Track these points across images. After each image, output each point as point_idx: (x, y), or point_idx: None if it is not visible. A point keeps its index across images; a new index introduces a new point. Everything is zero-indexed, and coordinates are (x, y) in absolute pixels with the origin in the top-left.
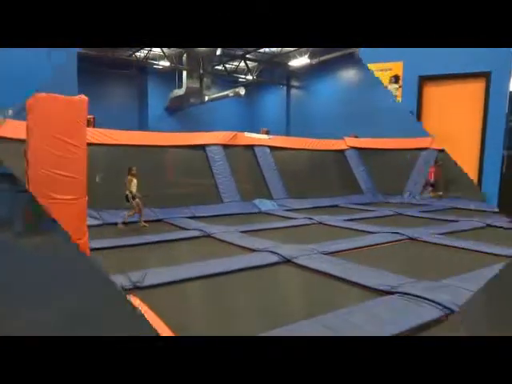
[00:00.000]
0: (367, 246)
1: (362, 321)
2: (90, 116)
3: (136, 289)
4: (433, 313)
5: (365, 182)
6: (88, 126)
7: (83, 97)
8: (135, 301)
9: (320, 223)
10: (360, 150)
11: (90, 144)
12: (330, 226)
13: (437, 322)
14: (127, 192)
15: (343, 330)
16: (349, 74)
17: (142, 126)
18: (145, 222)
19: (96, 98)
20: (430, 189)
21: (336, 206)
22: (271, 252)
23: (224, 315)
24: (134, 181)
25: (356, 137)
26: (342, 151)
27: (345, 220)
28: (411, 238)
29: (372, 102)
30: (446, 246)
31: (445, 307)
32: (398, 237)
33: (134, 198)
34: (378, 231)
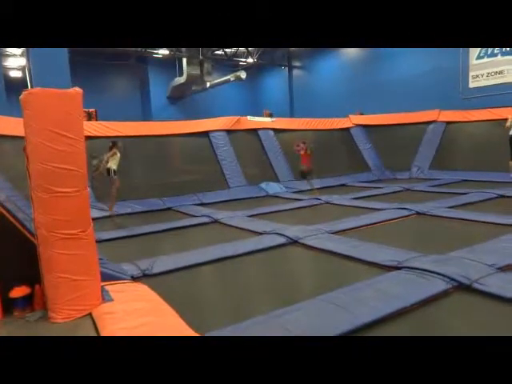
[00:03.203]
0: (375, 223)
1: (369, 296)
2: (92, 109)
3: (145, 276)
4: (440, 286)
5: (372, 160)
6: (90, 119)
7: (78, 89)
8: (142, 287)
9: (327, 203)
10: (366, 127)
11: (94, 137)
12: (337, 205)
13: (444, 294)
14: (109, 165)
15: (351, 306)
16: (351, 51)
17: (146, 116)
18: (153, 211)
19: (98, 92)
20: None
21: (343, 185)
22: (278, 234)
23: (234, 297)
24: (118, 155)
25: (361, 114)
26: (347, 129)
27: (352, 198)
28: (419, 213)
29: (376, 76)
30: (454, 219)
31: (452, 279)
32: (406, 212)
33: (115, 173)
34: (386, 208)
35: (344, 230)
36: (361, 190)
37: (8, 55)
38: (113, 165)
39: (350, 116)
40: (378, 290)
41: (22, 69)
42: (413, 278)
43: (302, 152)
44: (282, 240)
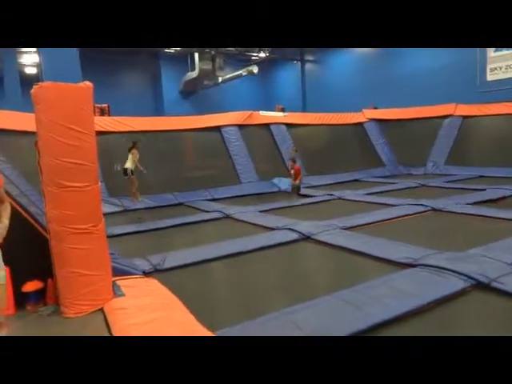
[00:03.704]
0: (388, 220)
1: (383, 294)
2: (105, 105)
3: (156, 271)
4: (458, 284)
5: (386, 155)
6: (103, 114)
7: (88, 83)
8: (153, 282)
9: (340, 198)
10: (379, 122)
11: (106, 132)
12: (350, 200)
13: (462, 293)
14: (127, 166)
15: (364, 304)
16: None
17: (158, 111)
18: (165, 206)
19: (110, 87)
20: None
21: (356, 180)
22: (290, 229)
23: (245, 293)
24: (137, 155)
25: (375, 108)
26: (360, 124)
27: (365, 194)
28: (435, 209)
29: (391, 70)
30: (471, 215)
31: (470, 278)
32: (421, 208)
33: (132, 173)
34: (400, 204)
35: (357, 226)
36: (374, 185)
37: (23, 52)
38: (129, 164)
39: (364, 110)
40: (392, 288)
41: (37, 65)
42: (429, 275)
43: (293, 171)
44: (294, 236)
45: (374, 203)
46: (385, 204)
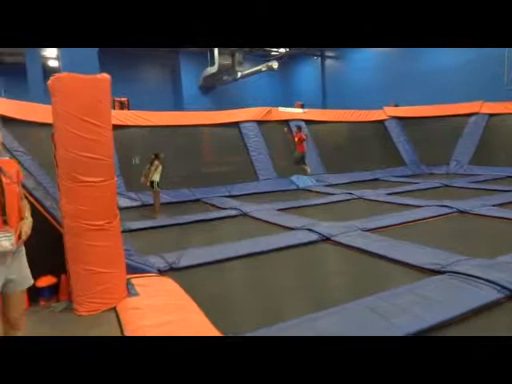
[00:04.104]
0: (412, 222)
1: (411, 303)
2: (124, 99)
3: (171, 270)
4: (491, 294)
5: (407, 153)
6: (122, 108)
7: (105, 75)
8: (168, 282)
9: (360, 198)
10: (401, 120)
11: (125, 126)
12: (370, 200)
13: (496, 304)
14: (153, 179)
15: (390, 313)
16: None
17: (177, 106)
18: (182, 202)
19: (130, 81)
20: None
21: (377, 179)
22: (309, 230)
23: (262, 296)
24: (160, 167)
25: (396, 105)
26: (381, 122)
27: (387, 194)
28: (461, 211)
29: (413, 66)
30: (500, 218)
31: (504, 288)
32: (446, 210)
33: (158, 185)
34: (424, 205)
35: (379, 228)
36: (395, 185)
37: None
38: (156, 177)
39: (385, 108)
40: (419, 297)
41: (57, 58)
42: (459, 284)
43: (296, 139)
44: (313, 236)
45: (396, 204)
46: (407, 205)
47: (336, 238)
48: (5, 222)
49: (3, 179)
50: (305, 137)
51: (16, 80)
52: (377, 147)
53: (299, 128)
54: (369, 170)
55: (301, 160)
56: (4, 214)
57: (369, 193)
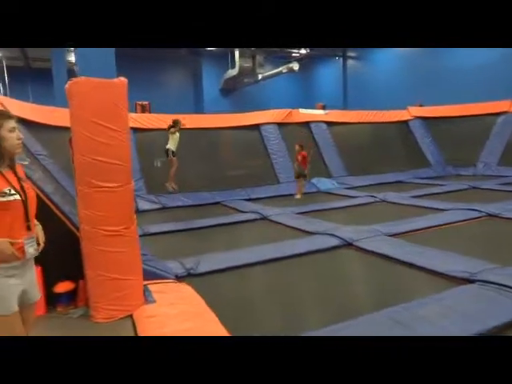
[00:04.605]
0: (438, 226)
1: (437, 315)
2: (146, 102)
3: (189, 276)
4: None
5: (432, 154)
6: (143, 111)
7: (122, 79)
8: (185, 288)
9: (383, 201)
10: (426, 120)
11: (146, 129)
12: (394, 203)
13: None
14: (168, 146)
15: (416, 325)
16: None
17: (198, 109)
18: (202, 205)
19: (152, 85)
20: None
21: (400, 181)
22: (330, 235)
23: (282, 305)
24: (177, 134)
25: (421, 105)
26: (405, 122)
27: (411, 197)
28: (491, 215)
29: (438, 65)
30: None
31: None
32: (475, 214)
33: (173, 154)
34: (450, 208)
35: (403, 233)
36: (420, 187)
37: (71, 50)
38: (171, 145)
39: (409, 108)
40: (447, 308)
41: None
42: (490, 294)
43: (300, 157)
44: (334, 241)
45: (421, 207)
46: (433, 208)
47: (358, 243)
48: (28, 228)
49: (24, 185)
50: (306, 155)
51: (43, 85)
52: (400, 148)
53: (301, 146)
54: (392, 171)
55: (303, 175)
56: (27, 219)
57: (392, 195)
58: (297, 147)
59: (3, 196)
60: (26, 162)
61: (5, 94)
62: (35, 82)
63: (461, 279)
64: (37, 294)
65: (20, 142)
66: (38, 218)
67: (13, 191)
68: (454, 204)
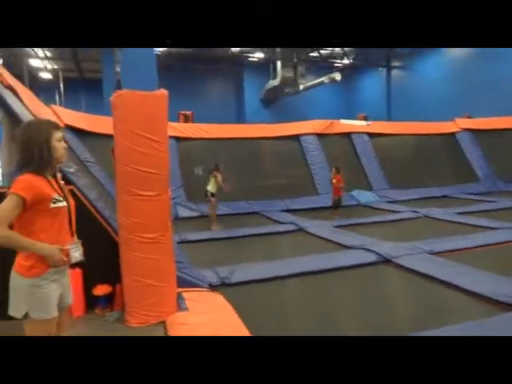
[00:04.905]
0: (486, 246)
1: None
2: (189, 112)
3: (223, 285)
4: None
5: (481, 168)
6: (187, 121)
7: (163, 91)
8: (218, 298)
9: (426, 217)
10: (475, 132)
11: (188, 138)
12: (438, 220)
13: None
14: (207, 188)
15: None
16: (459, 48)
17: (240, 119)
18: (240, 214)
19: (196, 95)
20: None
21: (446, 196)
22: (368, 250)
23: (316, 322)
24: (219, 177)
25: (470, 117)
26: (452, 134)
27: (457, 213)
28: None
29: (488, 75)
30: None
31: None
32: None
33: (212, 195)
34: (500, 227)
35: (447, 251)
36: (467, 203)
37: (120, 62)
38: (211, 188)
39: (457, 120)
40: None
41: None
42: None
43: (334, 181)
44: (372, 257)
45: (468, 225)
46: (480, 226)
47: (398, 261)
48: (72, 234)
49: (65, 191)
50: (341, 184)
51: (95, 95)
52: (446, 161)
53: (337, 169)
54: (437, 185)
55: (339, 203)
56: (71, 226)
57: (436, 211)
58: (333, 170)
59: (54, 202)
60: (73, 169)
61: (60, 104)
62: (88, 92)
63: (508, 305)
64: (70, 298)
65: (65, 151)
66: (81, 223)
67: (60, 198)
68: (504, 222)
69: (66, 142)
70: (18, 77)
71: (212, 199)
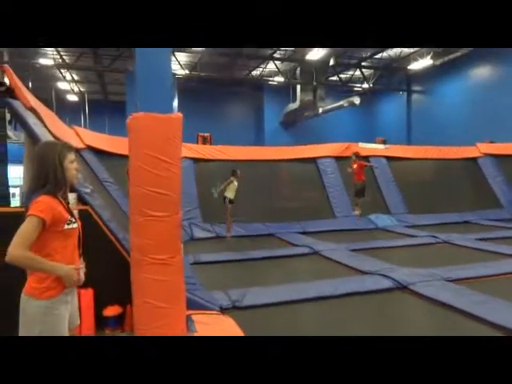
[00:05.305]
0: (507, 274)
1: None
2: (207, 134)
3: (234, 308)
4: None
5: (504, 194)
6: (205, 143)
7: (178, 114)
8: (228, 321)
9: (446, 242)
10: (497, 157)
11: (206, 160)
12: (458, 246)
13: None
14: (225, 194)
15: None
16: (481, 72)
17: (259, 141)
18: (255, 236)
19: (215, 117)
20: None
21: (466, 222)
22: (384, 275)
23: None
24: (235, 183)
25: (492, 142)
26: (473, 159)
27: (477, 239)
28: None
29: (510, 100)
30: None
31: None
32: None
33: (230, 201)
34: None
35: (466, 279)
36: (489, 229)
37: None
38: (229, 194)
39: (478, 144)
40: None
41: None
42: None
43: (355, 166)
44: (387, 283)
45: (489, 251)
46: (503, 254)
47: (414, 287)
48: (80, 256)
49: (75, 214)
50: (367, 164)
51: (119, 117)
52: (467, 187)
53: (358, 156)
54: (457, 211)
55: (363, 191)
56: (79, 247)
57: (456, 237)
58: (353, 157)
59: (68, 224)
60: (88, 190)
61: (85, 125)
62: (112, 114)
63: None
64: (78, 319)
65: (77, 173)
66: (95, 244)
67: (73, 219)
68: None
69: (86, 162)
70: (46, 100)
71: (229, 205)
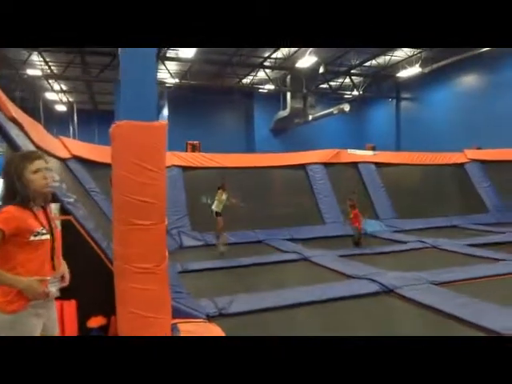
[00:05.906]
0: (492, 277)
1: None
2: (196, 142)
3: (221, 316)
4: None
5: (490, 199)
6: (194, 150)
7: (162, 122)
8: (215, 329)
9: (434, 247)
10: (484, 163)
11: (194, 168)
12: (445, 250)
13: None
14: (212, 207)
15: None
16: (469, 80)
17: (250, 148)
18: (244, 243)
19: (205, 125)
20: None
21: (454, 226)
22: (370, 280)
23: None
24: (223, 197)
25: (479, 148)
26: (461, 165)
27: (465, 244)
28: None
29: (497, 108)
30: None
31: None
32: None
33: (217, 214)
34: (507, 259)
35: (452, 282)
36: (476, 234)
37: None
38: (214, 206)
39: (466, 150)
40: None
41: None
42: None
43: (352, 215)
44: (374, 287)
45: (475, 256)
46: (489, 258)
47: (400, 291)
48: (53, 268)
49: (52, 224)
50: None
51: (107, 126)
52: (455, 192)
53: (353, 205)
54: (445, 216)
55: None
56: (53, 259)
57: (443, 241)
58: (348, 202)
59: (35, 235)
60: (72, 199)
61: (74, 136)
62: (101, 123)
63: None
64: (55, 331)
65: (47, 181)
66: (78, 254)
67: (44, 231)
68: (510, 255)
69: (72, 171)
70: (34, 110)
71: (218, 218)
